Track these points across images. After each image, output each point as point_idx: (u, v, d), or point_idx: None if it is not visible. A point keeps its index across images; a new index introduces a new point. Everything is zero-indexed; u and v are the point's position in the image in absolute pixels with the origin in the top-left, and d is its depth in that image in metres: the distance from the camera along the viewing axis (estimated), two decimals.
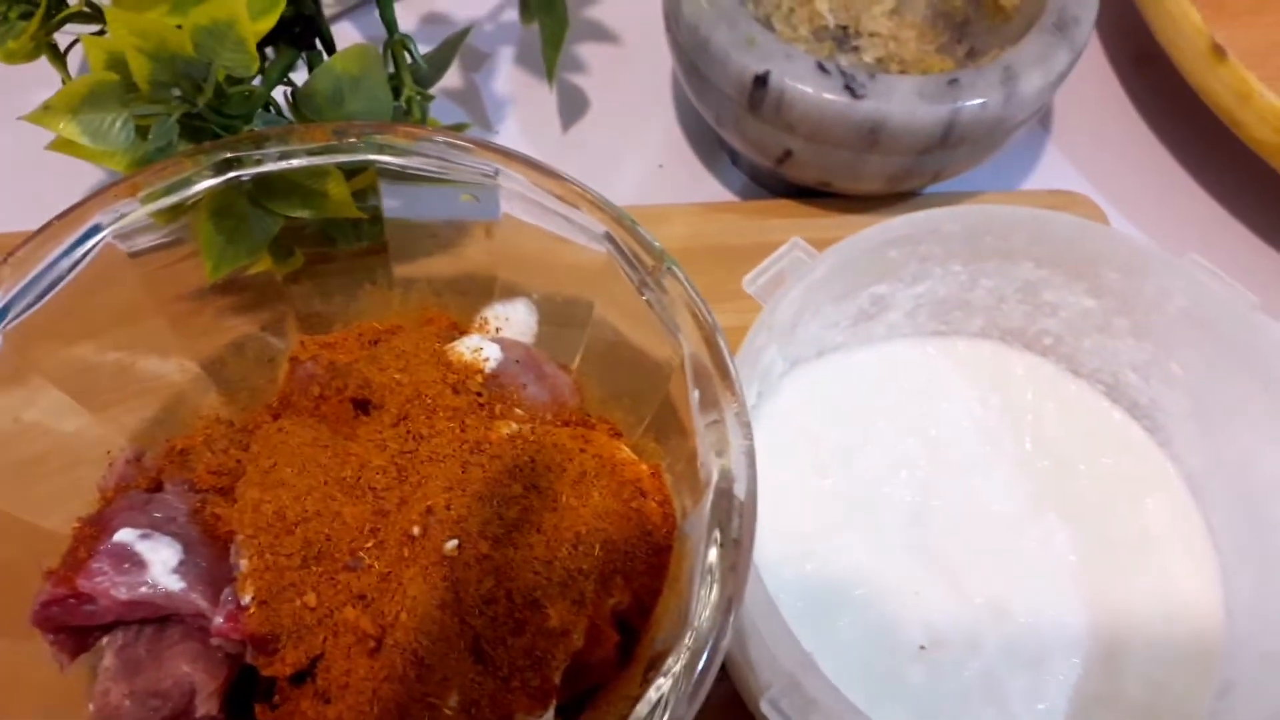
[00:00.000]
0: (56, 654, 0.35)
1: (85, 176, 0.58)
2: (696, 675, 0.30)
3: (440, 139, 0.39)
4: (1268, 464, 0.42)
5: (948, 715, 0.41)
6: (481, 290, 0.44)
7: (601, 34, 0.67)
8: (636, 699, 0.30)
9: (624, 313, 0.40)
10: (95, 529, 0.36)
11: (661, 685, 0.30)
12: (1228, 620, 0.43)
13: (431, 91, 0.50)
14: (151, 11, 0.41)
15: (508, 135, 0.63)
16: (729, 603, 0.31)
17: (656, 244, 0.37)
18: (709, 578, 0.32)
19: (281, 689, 0.35)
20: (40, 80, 0.50)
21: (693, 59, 0.52)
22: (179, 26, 0.39)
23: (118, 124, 0.38)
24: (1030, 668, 0.41)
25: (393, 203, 0.42)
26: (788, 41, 0.50)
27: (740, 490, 0.32)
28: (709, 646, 0.30)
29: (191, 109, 0.38)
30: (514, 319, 0.44)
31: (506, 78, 0.65)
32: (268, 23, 0.39)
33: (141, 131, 0.39)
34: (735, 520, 0.32)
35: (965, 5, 0.61)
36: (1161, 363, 0.45)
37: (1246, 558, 0.43)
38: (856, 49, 0.62)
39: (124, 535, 0.35)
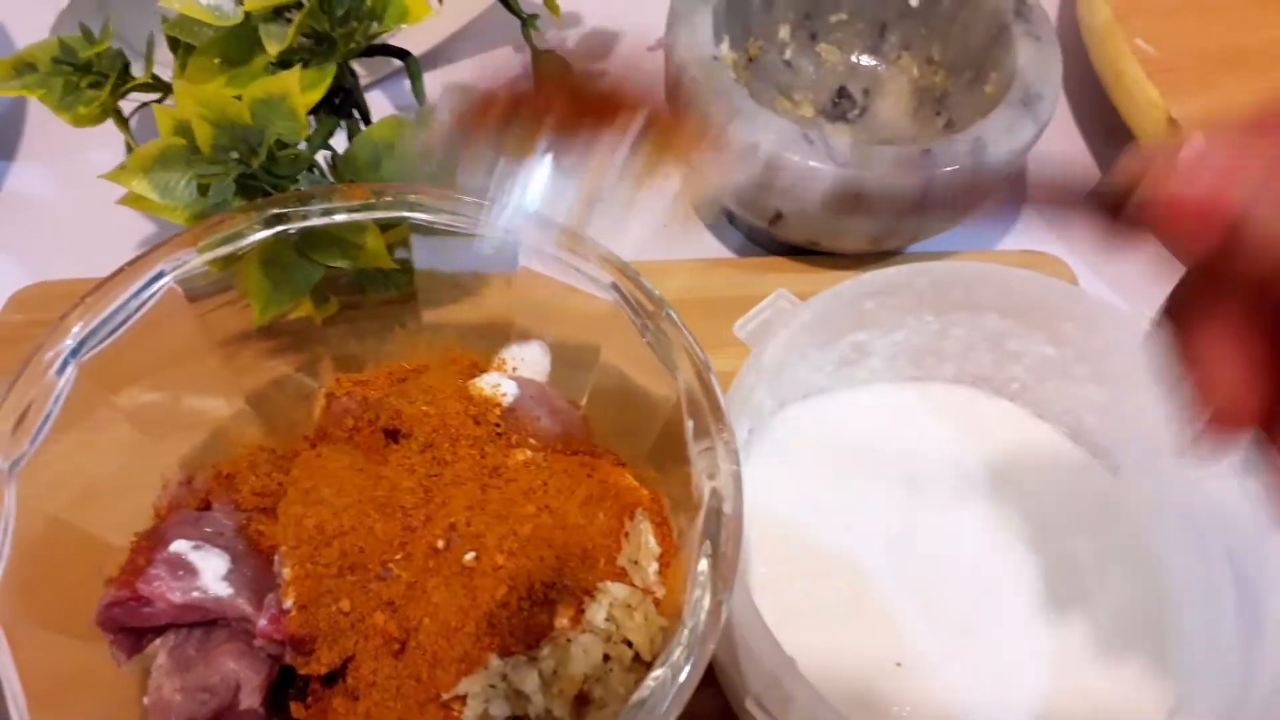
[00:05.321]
0: (115, 653, 0.39)
1: (133, 233, 0.63)
2: (689, 669, 0.33)
3: (466, 199, 0.43)
4: (1208, 498, 0.45)
5: None
6: (500, 335, 0.48)
7: None
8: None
9: (627, 357, 0.44)
10: (152, 541, 0.40)
11: (659, 676, 0.34)
12: (1179, 643, 0.47)
13: None
14: (211, 84, 0.46)
15: None
16: (718, 606, 0.35)
17: (657, 292, 0.42)
18: (701, 585, 0.36)
19: (314, 689, 0.39)
20: (86, 143, 0.54)
21: None
22: (238, 98, 0.44)
23: (182, 182, 0.43)
24: (997, 682, 0.45)
25: (422, 255, 0.46)
26: (780, 115, 0.56)
27: (729, 508, 0.36)
28: (699, 645, 0.34)
29: (247, 170, 0.43)
30: (529, 359, 0.48)
31: None
32: (317, 94, 0.44)
33: (202, 189, 0.44)
34: (724, 534, 0.36)
35: (944, 81, 0.66)
36: (1118, 406, 0.49)
37: (1194, 586, 0.46)
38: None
39: (178, 546, 0.39)
